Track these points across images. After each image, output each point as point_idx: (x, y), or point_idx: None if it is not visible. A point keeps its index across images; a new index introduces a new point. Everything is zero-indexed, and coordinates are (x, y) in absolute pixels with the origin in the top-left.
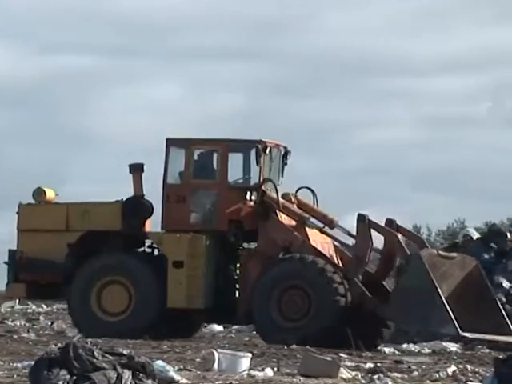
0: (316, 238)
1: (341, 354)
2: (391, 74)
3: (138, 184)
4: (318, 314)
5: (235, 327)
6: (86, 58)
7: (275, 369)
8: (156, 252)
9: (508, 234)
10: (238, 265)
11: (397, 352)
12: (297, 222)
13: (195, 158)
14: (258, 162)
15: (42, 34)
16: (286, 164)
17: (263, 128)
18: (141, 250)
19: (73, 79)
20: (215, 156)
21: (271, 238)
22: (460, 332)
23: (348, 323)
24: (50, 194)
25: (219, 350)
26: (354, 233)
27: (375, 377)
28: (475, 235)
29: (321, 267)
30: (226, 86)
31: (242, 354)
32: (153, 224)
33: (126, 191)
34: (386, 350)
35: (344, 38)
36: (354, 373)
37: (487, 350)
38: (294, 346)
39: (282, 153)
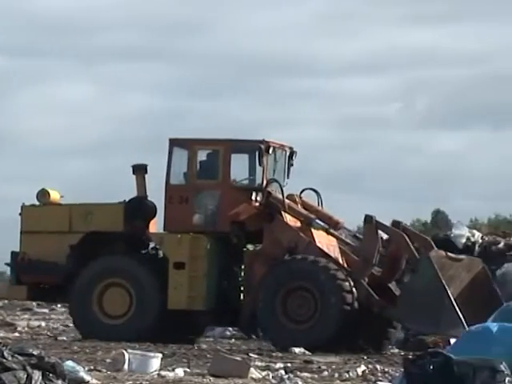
0: (322, 240)
1: (251, 354)
2: (302, 75)
3: (141, 185)
4: (325, 316)
5: None
6: None
7: (186, 369)
8: (159, 254)
9: None
10: (241, 266)
11: (307, 352)
12: (302, 223)
13: (198, 158)
14: (260, 163)
15: None
16: (291, 165)
17: (175, 129)
18: (144, 251)
19: None
20: (218, 156)
21: (276, 239)
22: None
23: (355, 324)
24: (54, 195)
25: (129, 350)
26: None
27: (285, 377)
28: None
29: (327, 267)
30: (137, 86)
31: (152, 354)
32: (159, 225)
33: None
34: (296, 349)
35: (255, 38)
36: (264, 373)
37: (396, 350)
38: (204, 346)
39: (288, 153)
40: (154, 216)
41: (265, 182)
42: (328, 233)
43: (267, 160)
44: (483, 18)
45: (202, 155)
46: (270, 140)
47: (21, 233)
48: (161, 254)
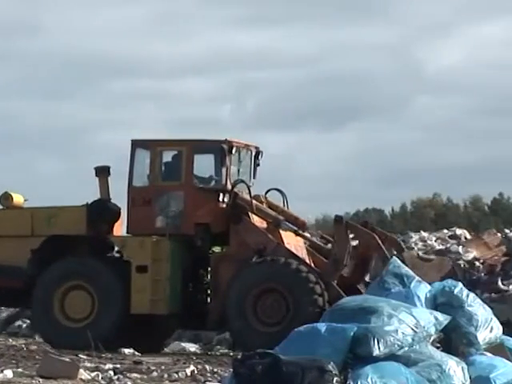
0: (290, 241)
1: (80, 355)
2: (138, 76)
3: (104, 187)
4: (297, 317)
5: None
6: None
7: (15, 370)
8: (123, 257)
9: None
10: (207, 269)
11: (136, 353)
12: (270, 225)
13: (161, 159)
14: (223, 163)
15: None
16: (258, 165)
17: (7, 130)
18: (108, 255)
19: None
20: (181, 157)
21: (244, 241)
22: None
23: None
24: (17, 198)
25: None
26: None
27: (115, 378)
28: None
29: (296, 268)
30: None
31: None
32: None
33: None
34: (126, 350)
35: (92, 39)
36: (93, 374)
37: (226, 350)
38: (33, 347)
39: (253, 153)
40: (118, 219)
41: (228, 183)
42: (297, 234)
43: (230, 160)
44: (314, 20)
45: (164, 156)
46: (233, 140)
47: None
48: (124, 257)
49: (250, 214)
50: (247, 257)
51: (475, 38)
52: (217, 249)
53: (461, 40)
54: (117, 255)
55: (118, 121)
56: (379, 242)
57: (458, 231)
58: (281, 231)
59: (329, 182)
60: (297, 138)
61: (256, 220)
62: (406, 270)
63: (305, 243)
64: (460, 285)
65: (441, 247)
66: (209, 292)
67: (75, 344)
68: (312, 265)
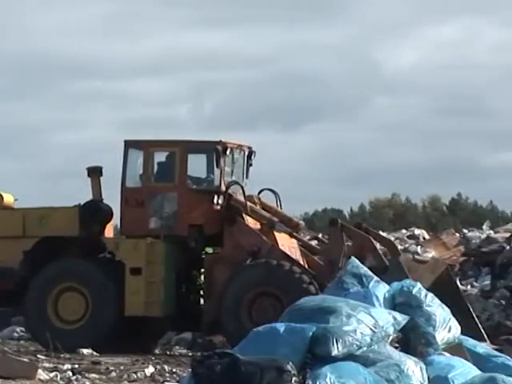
0: (284, 243)
1: (39, 356)
2: (91, 76)
3: (96, 188)
4: None
5: None
6: None
7: None
8: (116, 258)
9: None
10: (200, 270)
11: (95, 353)
12: (265, 226)
13: (154, 160)
14: (217, 164)
15: None
16: (250, 165)
17: None
18: (100, 256)
19: None
20: (175, 158)
21: (238, 242)
22: None
23: None
24: (7, 198)
25: None
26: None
27: (73, 378)
28: None
29: (289, 269)
30: None
31: None
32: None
33: None
34: (85, 351)
35: (46, 39)
36: (52, 374)
37: (184, 351)
38: None
39: (246, 153)
40: (110, 220)
41: (222, 184)
42: (291, 236)
43: (224, 161)
44: (271, 20)
45: (158, 157)
46: (226, 140)
47: None
48: (117, 258)
49: (244, 215)
50: (241, 259)
51: (433, 39)
52: (209, 249)
53: (419, 41)
54: (108, 256)
55: (73, 121)
56: (375, 244)
57: (417, 231)
58: (275, 233)
59: (287, 183)
60: (254, 139)
61: (250, 221)
62: (364, 270)
63: (299, 244)
64: (418, 285)
65: (399, 247)
66: (202, 293)
67: (69, 346)
68: (306, 266)
